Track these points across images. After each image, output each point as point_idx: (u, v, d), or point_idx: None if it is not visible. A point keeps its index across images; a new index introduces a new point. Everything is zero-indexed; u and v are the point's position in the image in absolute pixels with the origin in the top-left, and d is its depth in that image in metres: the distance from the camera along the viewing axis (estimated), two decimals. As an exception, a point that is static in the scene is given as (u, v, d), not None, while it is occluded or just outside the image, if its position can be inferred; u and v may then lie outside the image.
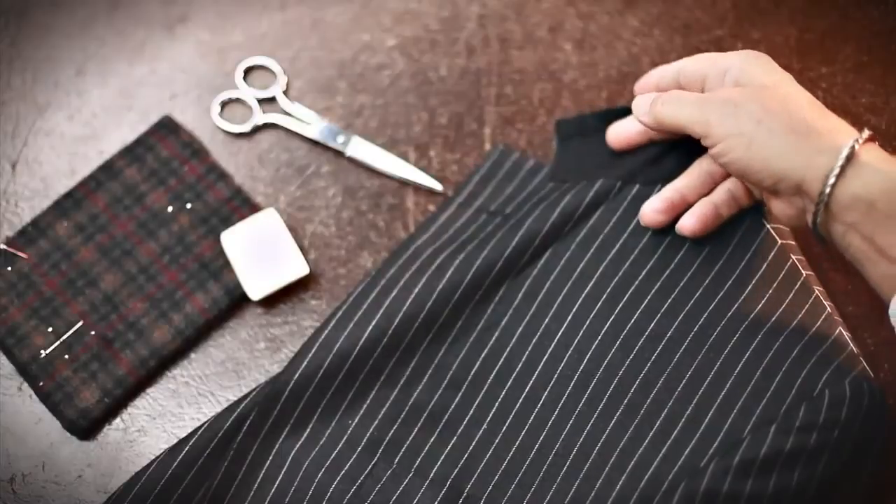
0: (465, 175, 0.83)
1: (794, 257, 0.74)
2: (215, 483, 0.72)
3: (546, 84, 0.86)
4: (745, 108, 0.67)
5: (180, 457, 0.73)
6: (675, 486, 0.68)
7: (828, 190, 0.64)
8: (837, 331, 0.71)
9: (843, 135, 0.65)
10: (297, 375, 0.74)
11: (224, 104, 0.86)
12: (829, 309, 0.72)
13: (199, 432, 0.74)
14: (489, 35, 0.88)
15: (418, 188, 0.84)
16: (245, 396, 0.74)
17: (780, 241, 0.75)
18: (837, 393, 0.68)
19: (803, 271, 0.74)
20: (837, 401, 0.68)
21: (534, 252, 0.77)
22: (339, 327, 0.75)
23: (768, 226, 0.75)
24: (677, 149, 0.77)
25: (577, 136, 0.81)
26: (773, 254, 0.74)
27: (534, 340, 0.74)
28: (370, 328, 0.74)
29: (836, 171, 0.64)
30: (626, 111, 0.78)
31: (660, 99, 0.72)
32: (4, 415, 0.78)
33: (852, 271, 0.81)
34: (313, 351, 0.74)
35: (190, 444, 0.73)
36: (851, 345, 0.71)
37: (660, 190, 0.76)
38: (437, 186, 0.83)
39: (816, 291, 0.73)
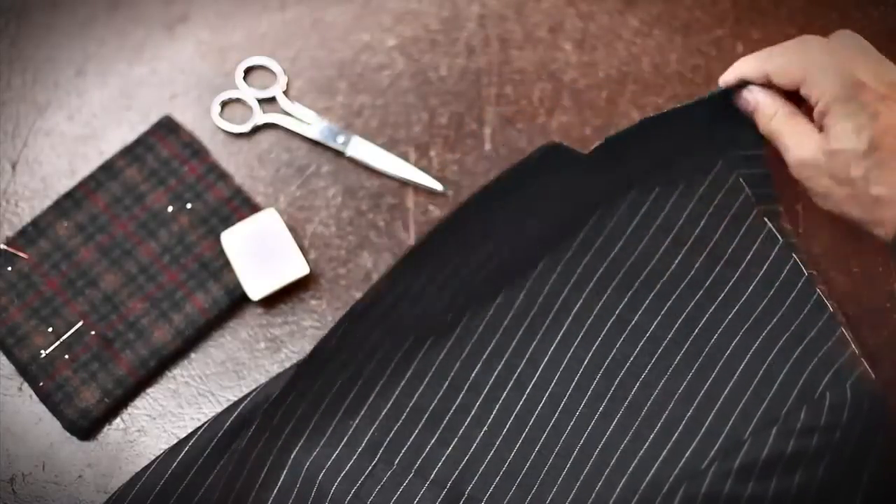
0: (465, 175, 0.83)
1: (795, 257, 0.74)
2: (216, 483, 0.72)
3: (546, 84, 0.86)
4: (825, 171, 0.67)
5: (180, 457, 0.73)
6: (676, 489, 0.68)
7: None
8: (839, 332, 0.71)
9: None
10: (301, 378, 0.74)
11: (224, 104, 0.86)
12: (831, 309, 0.72)
13: (199, 432, 0.74)
14: (489, 35, 0.88)
15: (418, 188, 0.84)
16: (245, 396, 0.74)
17: (781, 240, 0.74)
18: (839, 396, 0.68)
19: (805, 271, 0.74)
20: (838, 404, 0.68)
21: (533, 255, 0.77)
22: (343, 329, 0.75)
23: (770, 224, 0.75)
24: (677, 151, 0.76)
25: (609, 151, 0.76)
26: (774, 254, 0.74)
27: (534, 342, 0.74)
28: (373, 332, 0.74)
29: None
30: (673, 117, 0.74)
31: (784, 122, 0.70)
32: (4, 415, 0.78)
33: (852, 271, 0.81)
34: (314, 350, 0.74)
35: (190, 444, 0.73)
36: (853, 346, 0.71)
37: (658, 193, 0.76)
38: (438, 186, 0.83)
39: (818, 291, 0.73)
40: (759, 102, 0.71)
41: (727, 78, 0.72)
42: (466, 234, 0.79)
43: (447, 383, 0.74)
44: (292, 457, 0.73)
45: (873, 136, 0.65)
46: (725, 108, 0.73)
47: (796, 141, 0.69)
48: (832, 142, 0.66)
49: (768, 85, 0.70)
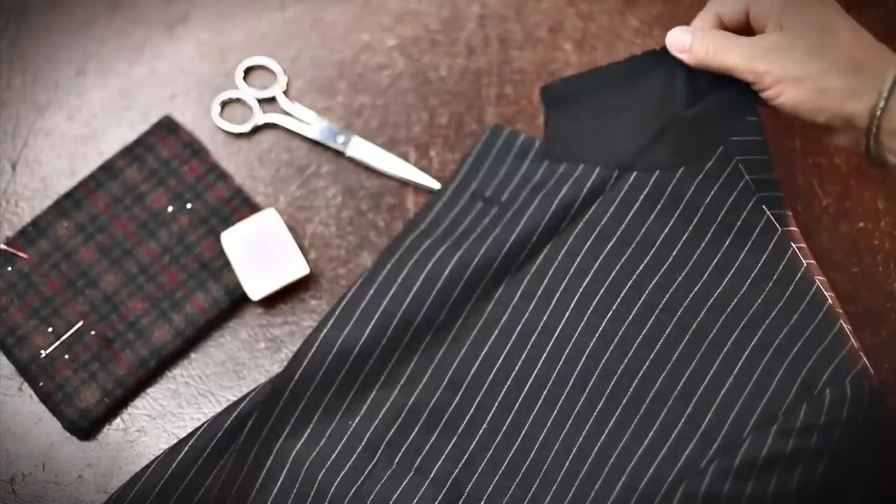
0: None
1: (794, 246, 0.73)
2: (216, 483, 0.72)
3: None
4: (792, 52, 0.70)
5: (180, 457, 0.73)
6: (676, 487, 0.68)
7: (875, 123, 0.68)
8: (839, 324, 0.71)
9: (887, 65, 0.68)
10: (297, 375, 0.74)
11: (224, 104, 0.86)
12: (830, 301, 0.72)
13: (199, 432, 0.74)
14: (489, 35, 0.88)
15: (418, 188, 0.84)
16: (245, 396, 0.74)
17: (780, 229, 0.74)
18: (838, 393, 0.68)
19: (804, 260, 0.73)
20: (838, 401, 0.68)
21: (532, 248, 0.76)
22: (337, 326, 0.75)
23: (768, 212, 0.74)
24: (675, 127, 0.76)
25: (565, 101, 0.80)
26: (773, 243, 0.73)
27: (532, 338, 0.74)
28: (369, 328, 0.74)
29: (882, 104, 0.67)
30: (613, 70, 0.78)
31: (703, 39, 0.73)
32: (4, 415, 0.78)
33: (852, 271, 0.81)
34: (313, 350, 0.74)
35: (190, 444, 0.73)
36: (852, 339, 0.70)
37: (657, 177, 0.76)
38: (437, 186, 0.83)
39: (818, 282, 0.72)
40: (691, 32, 0.74)
41: (672, 31, 0.75)
42: (458, 229, 0.79)
43: (446, 381, 0.74)
44: (291, 456, 0.73)
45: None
46: (669, 61, 0.76)
47: (742, 47, 0.72)
48: (786, 29, 0.70)
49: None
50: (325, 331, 0.75)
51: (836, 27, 0.70)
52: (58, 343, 0.79)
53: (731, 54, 0.72)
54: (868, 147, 0.70)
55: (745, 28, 0.74)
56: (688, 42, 0.74)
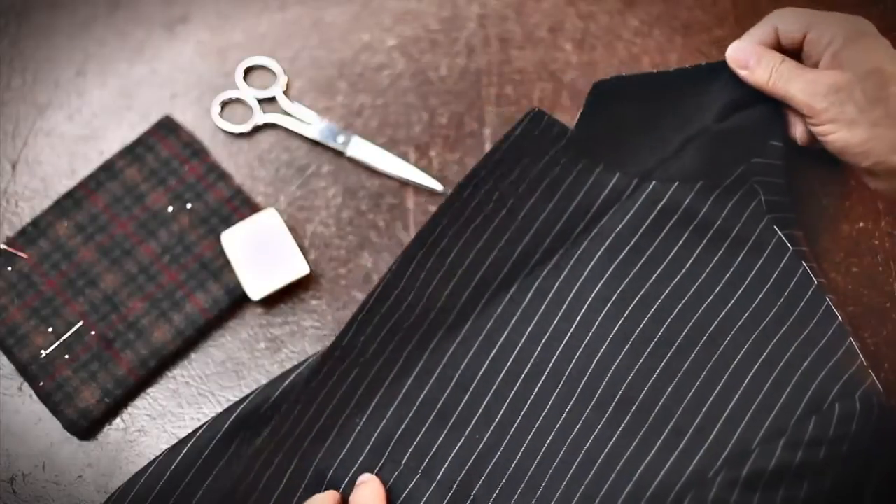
0: (466, 171, 0.83)
1: (805, 265, 0.74)
2: (216, 483, 0.72)
3: (546, 84, 0.86)
4: (850, 95, 0.71)
5: (180, 457, 0.73)
6: (683, 497, 0.67)
7: None
8: (848, 341, 0.71)
9: None
10: (306, 374, 0.73)
11: (224, 104, 0.86)
12: (840, 318, 0.72)
13: (199, 432, 0.74)
14: (489, 35, 0.88)
15: (418, 188, 0.84)
16: (245, 397, 0.74)
17: (791, 249, 0.74)
18: (847, 407, 0.68)
19: (815, 279, 0.73)
20: (847, 415, 0.67)
21: (545, 251, 0.76)
22: (359, 330, 0.74)
23: (780, 233, 0.75)
24: (700, 141, 0.76)
25: (606, 100, 0.77)
26: (784, 262, 0.74)
27: (542, 341, 0.74)
28: (386, 329, 0.74)
29: None
30: (660, 78, 0.77)
31: (769, 64, 0.74)
32: (4, 415, 0.78)
33: (852, 271, 0.81)
34: (335, 355, 0.74)
35: (190, 444, 0.73)
36: (861, 356, 0.70)
37: (674, 190, 0.76)
38: (438, 186, 0.83)
39: (828, 300, 0.72)
40: (758, 53, 0.75)
41: (737, 46, 0.76)
42: (471, 227, 0.78)
43: (454, 382, 0.74)
44: (298, 456, 0.73)
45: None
46: (717, 75, 0.76)
47: (805, 81, 0.73)
48: (846, 69, 0.71)
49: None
50: (350, 334, 0.73)
51: (893, 75, 0.71)
52: (58, 343, 0.79)
53: (794, 86, 0.73)
54: None
55: (797, 48, 0.75)
56: (752, 62, 0.74)
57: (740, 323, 0.72)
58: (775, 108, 0.75)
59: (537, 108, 0.77)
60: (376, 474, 0.72)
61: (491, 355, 0.74)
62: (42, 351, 0.79)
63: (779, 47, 0.75)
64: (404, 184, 0.84)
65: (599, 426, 0.71)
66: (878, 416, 0.68)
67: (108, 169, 0.84)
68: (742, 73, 0.75)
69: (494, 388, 0.74)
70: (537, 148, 0.77)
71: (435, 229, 0.76)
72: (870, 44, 0.73)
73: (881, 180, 0.73)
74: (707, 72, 0.76)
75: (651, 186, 0.76)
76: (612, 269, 0.74)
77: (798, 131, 0.76)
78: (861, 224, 0.82)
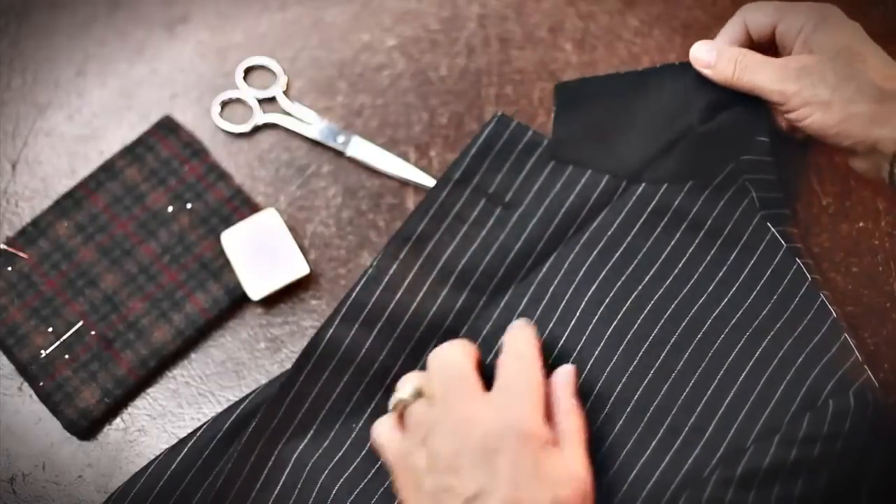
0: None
1: (799, 261, 0.74)
2: (216, 483, 0.72)
3: (546, 84, 0.86)
4: (821, 77, 0.70)
5: (180, 457, 0.73)
6: (678, 496, 0.67)
7: None
8: (843, 337, 0.71)
9: None
10: (302, 376, 0.74)
11: (224, 104, 0.86)
12: (834, 314, 0.72)
13: (198, 432, 0.74)
14: (489, 35, 0.88)
15: (418, 188, 0.84)
16: (245, 397, 0.74)
17: (785, 245, 0.74)
18: (842, 404, 0.68)
19: (809, 275, 0.73)
20: (841, 412, 0.67)
21: (538, 255, 0.76)
22: (343, 327, 0.74)
23: (773, 230, 0.75)
24: (687, 141, 0.76)
25: (577, 103, 0.79)
26: (778, 258, 0.74)
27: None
28: (375, 331, 0.74)
29: None
30: (628, 77, 0.78)
31: (731, 57, 0.74)
32: (4, 415, 0.78)
33: (852, 271, 0.81)
34: (318, 352, 0.74)
35: (190, 444, 0.73)
36: (856, 352, 0.71)
37: (665, 190, 0.76)
38: (437, 186, 0.83)
39: (822, 296, 0.73)
40: (718, 49, 0.74)
41: (697, 45, 0.76)
42: (459, 235, 0.78)
43: None
44: (294, 457, 0.73)
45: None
46: (682, 76, 0.76)
47: (774, 68, 0.72)
48: (816, 52, 0.71)
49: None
50: (331, 331, 0.74)
51: (864, 54, 0.71)
52: (58, 343, 0.79)
53: (761, 74, 0.73)
54: (892, 173, 0.70)
55: (767, 43, 0.75)
56: (712, 59, 0.74)
57: (734, 321, 0.73)
58: (758, 104, 0.75)
59: (502, 112, 0.79)
60: (372, 477, 0.72)
61: (487, 360, 0.74)
62: (42, 351, 0.79)
63: (751, 44, 0.75)
64: (404, 184, 0.84)
65: (595, 427, 0.71)
66: (874, 413, 0.68)
67: (108, 169, 0.84)
68: (706, 71, 0.75)
69: None
70: (515, 154, 0.78)
71: (415, 230, 0.77)
72: (837, 25, 0.72)
73: (864, 159, 0.72)
74: (677, 70, 0.77)
75: (641, 188, 0.76)
76: (604, 271, 0.75)
77: (782, 119, 0.76)
78: (861, 224, 0.82)
